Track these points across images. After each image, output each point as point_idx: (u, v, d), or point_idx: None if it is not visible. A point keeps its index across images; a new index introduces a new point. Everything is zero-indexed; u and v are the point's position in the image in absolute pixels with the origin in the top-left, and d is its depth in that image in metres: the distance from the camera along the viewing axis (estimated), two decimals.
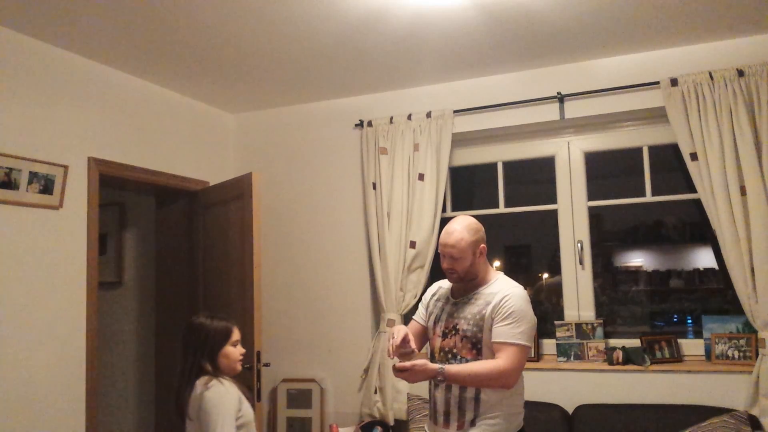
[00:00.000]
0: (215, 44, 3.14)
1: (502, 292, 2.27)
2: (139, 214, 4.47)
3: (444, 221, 3.73)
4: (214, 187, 3.95)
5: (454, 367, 2.20)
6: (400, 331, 2.27)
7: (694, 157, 3.18)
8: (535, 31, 3.07)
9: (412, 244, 3.67)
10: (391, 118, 3.83)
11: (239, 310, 3.49)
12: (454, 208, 3.98)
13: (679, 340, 3.39)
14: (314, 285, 4.04)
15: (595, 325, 3.47)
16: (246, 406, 2.26)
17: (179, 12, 2.77)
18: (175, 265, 4.15)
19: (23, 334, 2.87)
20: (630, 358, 3.34)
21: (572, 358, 3.46)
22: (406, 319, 3.73)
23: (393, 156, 3.80)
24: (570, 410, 3.30)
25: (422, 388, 3.47)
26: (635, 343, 3.44)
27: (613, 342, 3.50)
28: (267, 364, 3.52)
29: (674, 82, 3.23)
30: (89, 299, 3.18)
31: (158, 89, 3.77)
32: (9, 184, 2.82)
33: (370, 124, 3.89)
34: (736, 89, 3.08)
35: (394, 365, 2.18)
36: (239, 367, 2.35)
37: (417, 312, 2.58)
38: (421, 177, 3.71)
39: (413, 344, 2.27)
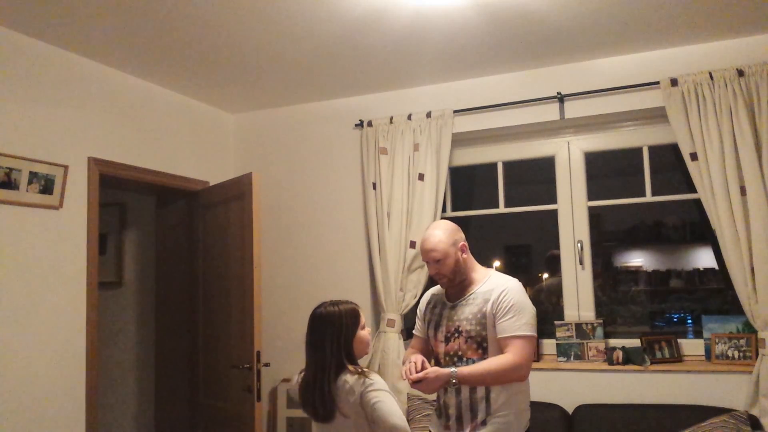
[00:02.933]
0: (215, 44, 3.14)
1: (499, 287, 2.30)
2: (139, 214, 4.46)
3: None
4: (214, 187, 3.95)
5: (466, 369, 2.21)
6: (417, 358, 2.28)
7: (694, 157, 3.17)
8: (535, 31, 3.07)
9: (412, 244, 3.67)
10: (391, 118, 3.83)
11: (239, 310, 3.49)
12: (454, 208, 3.99)
13: (679, 340, 3.39)
14: (314, 285, 4.04)
15: (595, 325, 3.47)
16: None
17: (179, 12, 2.77)
18: (175, 265, 4.15)
19: (23, 334, 2.87)
20: (630, 358, 3.34)
21: (572, 358, 3.46)
22: (406, 319, 3.74)
23: (393, 156, 3.80)
24: (570, 410, 3.30)
25: None
26: (635, 343, 3.44)
27: (613, 342, 3.50)
28: (267, 364, 3.52)
29: (674, 82, 3.23)
30: (89, 299, 3.18)
31: (158, 89, 3.77)
32: (9, 184, 2.81)
33: (370, 124, 3.89)
34: (736, 89, 3.08)
35: (409, 378, 2.19)
36: (369, 350, 2.27)
37: (416, 327, 2.59)
38: (421, 177, 3.71)
39: (426, 364, 2.28)
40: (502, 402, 2.23)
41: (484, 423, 2.24)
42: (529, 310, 2.28)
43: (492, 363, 2.21)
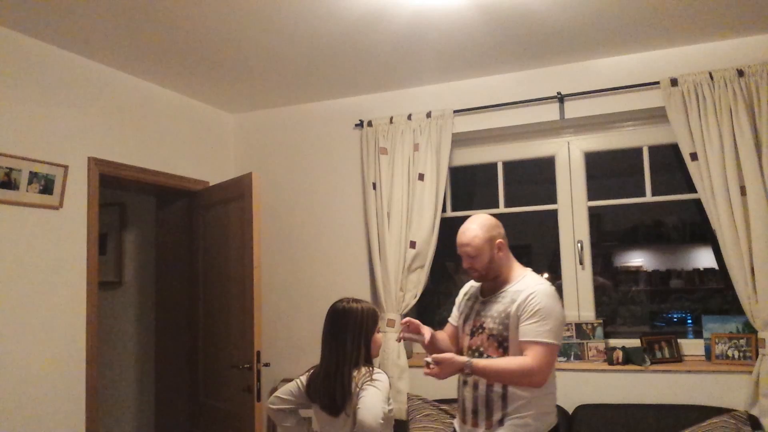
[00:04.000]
0: (215, 44, 3.14)
1: (528, 289, 2.24)
2: (139, 214, 4.47)
3: (444, 221, 3.75)
4: (214, 187, 3.95)
5: (481, 361, 2.18)
6: (414, 320, 2.32)
7: (694, 157, 3.18)
8: (535, 31, 3.07)
9: (412, 244, 3.67)
10: (391, 118, 3.83)
11: (239, 310, 3.49)
12: (454, 208, 3.99)
13: (679, 340, 3.39)
14: (314, 285, 4.04)
15: (595, 325, 3.47)
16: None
17: (179, 12, 2.77)
18: (175, 265, 4.15)
19: (23, 334, 2.87)
20: (630, 358, 3.34)
21: (572, 358, 3.46)
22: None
23: (393, 156, 3.80)
24: (570, 410, 3.30)
25: (422, 388, 3.48)
26: (635, 343, 3.44)
27: (613, 342, 3.50)
28: (267, 364, 3.52)
29: (674, 82, 3.23)
30: (89, 299, 3.18)
31: (158, 89, 3.77)
32: (9, 184, 2.82)
33: (370, 124, 3.89)
34: (736, 89, 3.08)
35: (424, 362, 2.16)
36: (379, 353, 2.28)
37: (452, 314, 2.58)
38: (421, 177, 3.71)
39: (427, 335, 2.29)
40: (523, 403, 2.19)
41: (501, 422, 2.20)
42: (556, 317, 2.20)
43: (508, 362, 2.18)
